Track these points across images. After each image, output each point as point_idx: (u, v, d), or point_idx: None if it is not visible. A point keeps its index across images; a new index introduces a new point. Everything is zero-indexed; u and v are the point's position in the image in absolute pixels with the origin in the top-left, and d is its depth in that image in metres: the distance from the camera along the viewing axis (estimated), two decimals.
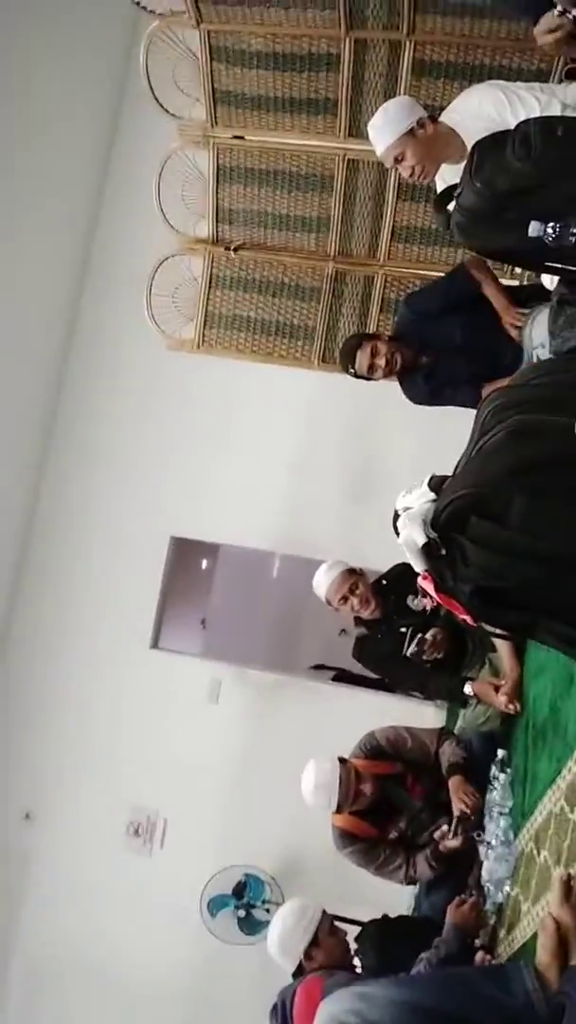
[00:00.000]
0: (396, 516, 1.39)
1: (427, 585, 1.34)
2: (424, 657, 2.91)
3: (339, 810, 2.69)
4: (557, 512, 1.15)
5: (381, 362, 2.80)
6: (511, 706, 2.55)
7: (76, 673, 4.65)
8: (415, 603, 3.05)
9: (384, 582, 3.19)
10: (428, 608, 3.00)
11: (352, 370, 2.88)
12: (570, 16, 1.84)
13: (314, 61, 3.24)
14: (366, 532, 3.74)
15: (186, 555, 5.23)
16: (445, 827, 2.50)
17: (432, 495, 1.31)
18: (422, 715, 3.69)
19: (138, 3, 3.07)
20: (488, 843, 2.29)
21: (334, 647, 4.74)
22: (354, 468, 4.38)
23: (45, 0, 3.55)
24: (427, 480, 1.36)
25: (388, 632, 3.11)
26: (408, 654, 2.93)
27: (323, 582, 3.12)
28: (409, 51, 3.09)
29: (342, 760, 2.71)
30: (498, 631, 1.67)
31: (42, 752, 4.63)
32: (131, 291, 3.93)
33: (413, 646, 2.91)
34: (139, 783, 4.47)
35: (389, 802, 2.74)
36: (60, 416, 4.79)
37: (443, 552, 1.26)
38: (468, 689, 2.80)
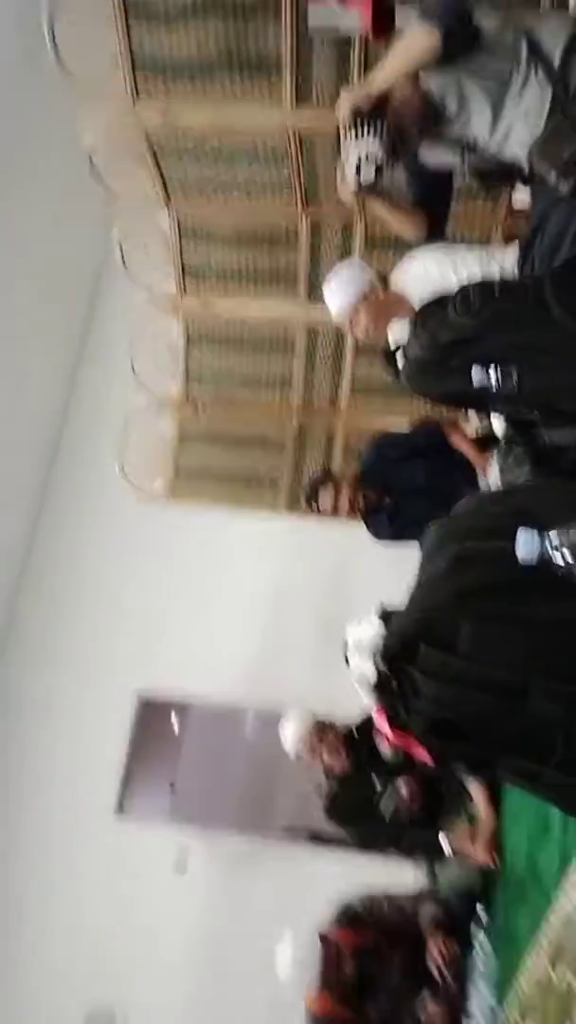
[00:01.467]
0: (346, 648, 1.36)
1: (381, 721, 1.28)
2: (401, 814, 2.76)
3: (316, 991, 2.45)
4: (503, 639, 1.14)
5: (343, 501, 2.85)
6: (488, 860, 2.40)
7: (35, 844, 4.32)
8: (388, 753, 2.94)
9: (354, 732, 3.08)
10: (401, 756, 2.89)
11: (316, 507, 2.92)
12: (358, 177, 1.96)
13: (274, 237, 3.54)
14: (340, 681, 3.63)
15: (154, 715, 5.02)
16: (429, 1005, 2.27)
17: (381, 625, 1.29)
18: (401, 875, 3.44)
19: (112, 189, 3.36)
20: (473, 1016, 2.08)
21: (311, 806, 4.49)
22: (325, 615, 4.31)
23: (32, 182, 3.88)
24: (376, 610, 1.34)
25: (360, 785, 2.97)
26: (386, 814, 2.77)
27: (291, 733, 3.01)
28: (361, 227, 3.39)
29: (322, 936, 2.50)
30: (461, 768, 1.59)
31: None
32: (104, 446, 4.05)
33: (391, 804, 2.76)
34: (98, 972, 4.04)
35: (368, 978, 2.50)
36: (29, 567, 4.76)
37: (395, 684, 1.22)
38: (444, 843, 2.63)
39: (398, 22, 1.74)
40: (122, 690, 4.47)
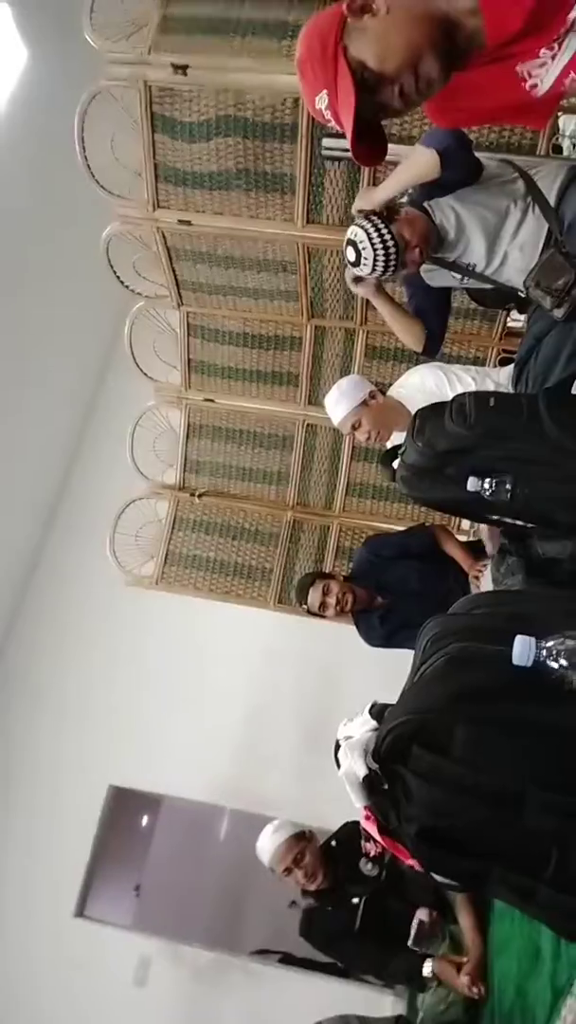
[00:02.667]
0: (337, 746, 1.34)
1: (370, 826, 1.25)
2: (424, 942, 2.53)
3: None
4: (499, 744, 1.13)
5: (332, 600, 2.84)
6: (474, 989, 2.27)
7: None
8: (368, 868, 2.82)
9: (334, 843, 2.97)
10: (382, 874, 2.77)
11: (305, 606, 2.92)
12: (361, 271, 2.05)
13: (279, 342, 3.68)
14: (322, 786, 3.54)
15: (125, 808, 4.85)
16: None
17: (374, 723, 1.28)
18: (379, 1003, 3.26)
19: (127, 286, 3.51)
20: None
21: (285, 921, 4.27)
22: (311, 715, 4.25)
23: (49, 274, 4.05)
24: (368, 707, 1.33)
25: (339, 904, 2.84)
26: (410, 945, 2.56)
27: (267, 848, 2.89)
28: (362, 338, 3.54)
29: None
30: (451, 882, 1.52)
31: None
32: (98, 529, 4.06)
33: (412, 934, 2.53)
34: None
35: None
36: (10, 644, 4.69)
37: (385, 786, 1.20)
38: (427, 969, 2.49)
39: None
40: (94, 779, 4.33)
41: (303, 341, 3.63)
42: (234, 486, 3.98)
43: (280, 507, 3.91)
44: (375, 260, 2.02)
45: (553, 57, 1.28)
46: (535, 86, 1.33)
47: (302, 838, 2.88)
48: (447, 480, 2.02)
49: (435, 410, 2.09)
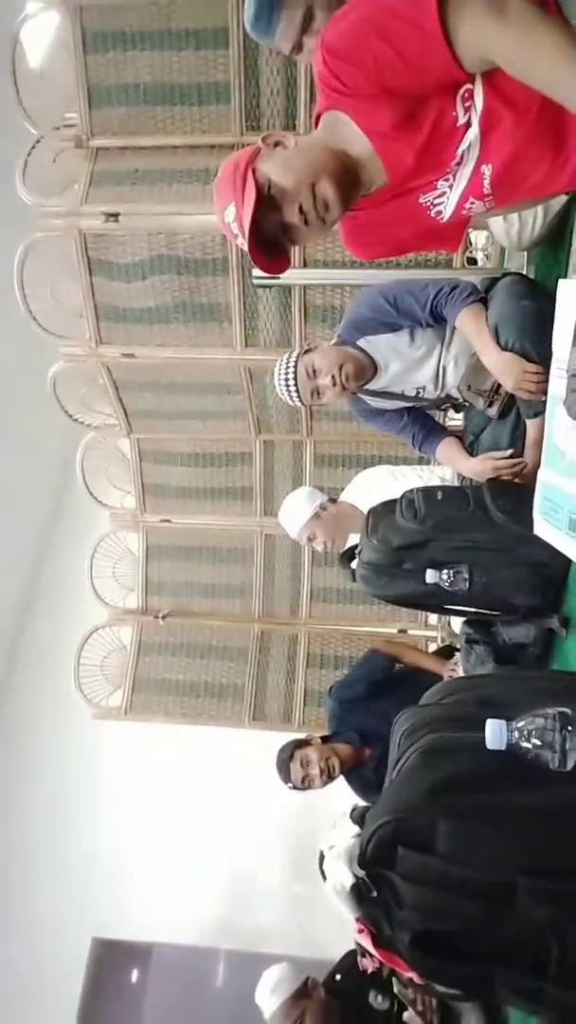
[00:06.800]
0: (322, 857, 1.30)
1: (364, 940, 1.20)
2: None
3: None
4: (481, 834, 1.10)
5: (315, 771, 2.58)
6: None
7: None
8: (378, 1002, 2.64)
9: (338, 977, 2.77)
10: (394, 1005, 2.59)
11: (290, 784, 2.64)
12: None
13: (230, 458, 3.78)
14: (317, 914, 3.39)
15: (112, 962, 4.52)
16: None
17: (356, 828, 1.25)
18: None
19: (76, 419, 3.60)
20: None
21: None
22: (296, 837, 4.08)
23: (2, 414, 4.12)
24: (349, 812, 1.30)
25: None
26: None
27: (265, 1007, 2.68)
28: (310, 447, 3.65)
29: None
30: (454, 991, 1.43)
31: None
32: (61, 662, 3.97)
33: None
34: None
35: None
36: None
37: (374, 893, 1.16)
38: None
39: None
40: (75, 933, 4.05)
41: (253, 456, 3.73)
42: (198, 604, 3.96)
43: (246, 620, 3.89)
44: (277, 386, 2.20)
45: (450, 187, 1.42)
46: (440, 213, 1.47)
47: (302, 996, 2.66)
48: (406, 575, 2.06)
49: (386, 507, 2.16)
